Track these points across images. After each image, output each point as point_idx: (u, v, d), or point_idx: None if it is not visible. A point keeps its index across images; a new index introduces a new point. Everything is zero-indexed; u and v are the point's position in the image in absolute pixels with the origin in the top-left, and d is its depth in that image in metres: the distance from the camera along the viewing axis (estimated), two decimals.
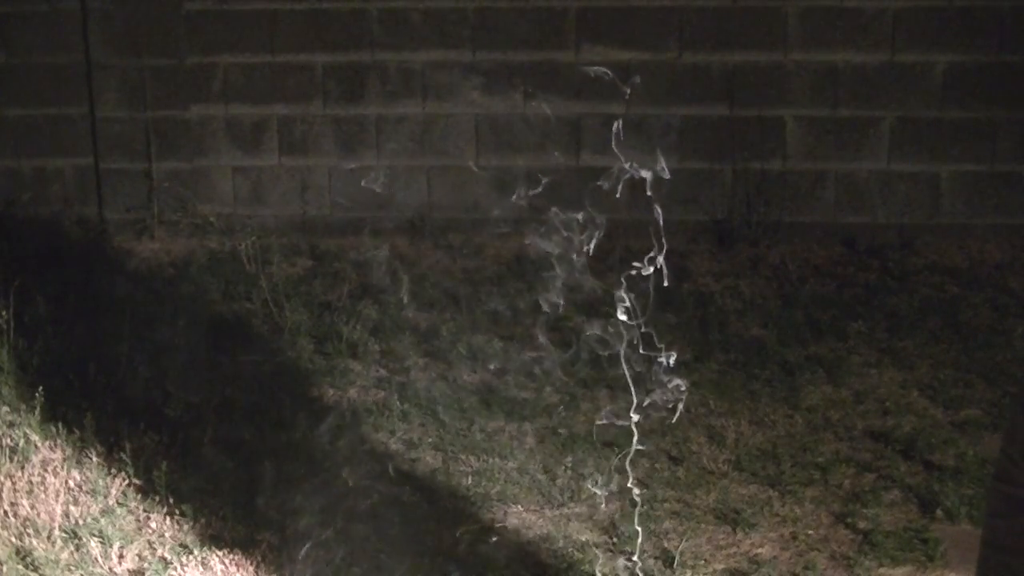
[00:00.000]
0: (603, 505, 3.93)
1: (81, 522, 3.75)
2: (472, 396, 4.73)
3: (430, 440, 4.43)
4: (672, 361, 3.00)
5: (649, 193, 2.96)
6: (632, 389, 3.09)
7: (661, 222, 2.94)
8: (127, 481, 3.98)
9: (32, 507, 3.81)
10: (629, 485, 3.36)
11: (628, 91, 3.47)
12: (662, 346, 3.04)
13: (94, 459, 4.12)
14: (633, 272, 3.04)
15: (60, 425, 4.26)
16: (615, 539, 3.75)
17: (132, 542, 3.69)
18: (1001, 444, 2.39)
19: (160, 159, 6.70)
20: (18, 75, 6.70)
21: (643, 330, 3.12)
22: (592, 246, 3.11)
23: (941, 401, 4.65)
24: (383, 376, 4.94)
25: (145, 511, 3.87)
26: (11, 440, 4.20)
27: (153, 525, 3.80)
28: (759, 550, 3.72)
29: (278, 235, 6.40)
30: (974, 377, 4.83)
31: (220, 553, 3.63)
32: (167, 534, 3.76)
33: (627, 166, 3.01)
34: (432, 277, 5.92)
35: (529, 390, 4.80)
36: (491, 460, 4.27)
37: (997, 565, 2.34)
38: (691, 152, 6.34)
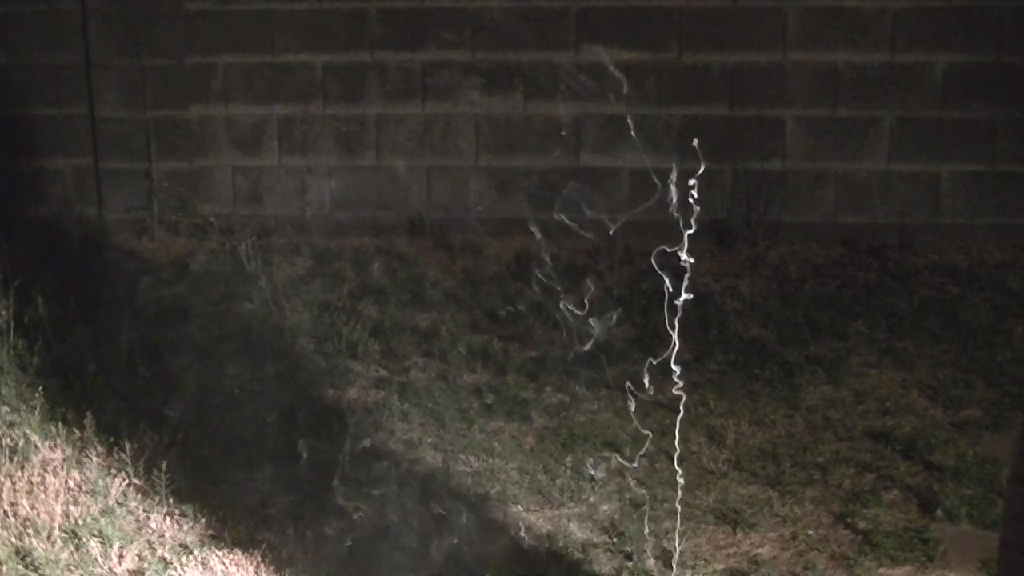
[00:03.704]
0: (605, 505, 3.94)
1: (81, 522, 3.75)
2: (472, 396, 4.73)
3: (430, 440, 4.43)
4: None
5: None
6: None
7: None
8: (127, 481, 3.98)
9: (32, 507, 3.81)
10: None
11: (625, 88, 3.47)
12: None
13: (94, 459, 4.12)
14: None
15: (60, 425, 4.26)
16: (615, 539, 3.75)
17: (132, 542, 3.69)
18: (1016, 445, 2.39)
19: (160, 159, 6.70)
20: (18, 75, 6.70)
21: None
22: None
23: (941, 401, 4.65)
24: (383, 376, 4.94)
25: (145, 511, 3.87)
26: (11, 440, 4.20)
27: (153, 525, 3.80)
28: (759, 550, 3.71)
29: (278, 235, 6.40)
30: (974, 377, 4.83)
31: (220, 553, 3.63)
32: (167, 534, 3.76)
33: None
34: (431, 277, 5.92)
35: (529, 390, 4.80)
36: (491, 460, 4.27)
37: (1018, 565, 2.35)
38: (691, 152, 6.32)
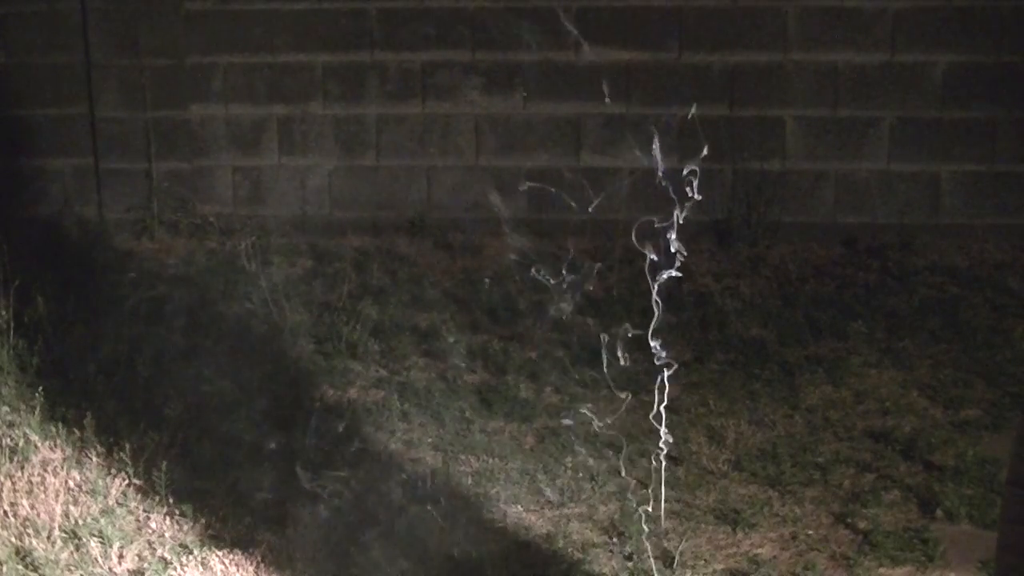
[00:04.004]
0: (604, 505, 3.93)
1: (81, 522, 3.75)
2: (472, 396, 4.73)
3: (430, 440, 4.43)
4: None
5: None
6: None
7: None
8: (127, 481, 3.98)
9: (32, 507, 3.81)
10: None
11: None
12: None
13: (94, 459, 4.12)
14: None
15: (60, 425, 4.26)
16: (615, 539, 3.75)
17: (132, 542, 3.69)
18: (1012, 447, 2.39)
19: (160, 159, 6.70)
20: (18, 75, 6.70)
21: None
22: None
23: (941, 401, 4.65)
24: (383, 376, 4.94)
25: (145, 511, 3.87)
26: (11, 440, 4.20)
27: (153, 525, 3.81)
28: (759, 550, 3.71)
29: (278, 235, 6.40)
30: (974, 377, 4.83)
31: (220, 553, 3.64)
32: (167, 534, 3.76)
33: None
34: (431, 277, 5.92)
35: (529, 390, 4.80)
36: (491, 460, 4.27)
37: (1015, 568, 2.34)
38: (691, 152, 6.33)
